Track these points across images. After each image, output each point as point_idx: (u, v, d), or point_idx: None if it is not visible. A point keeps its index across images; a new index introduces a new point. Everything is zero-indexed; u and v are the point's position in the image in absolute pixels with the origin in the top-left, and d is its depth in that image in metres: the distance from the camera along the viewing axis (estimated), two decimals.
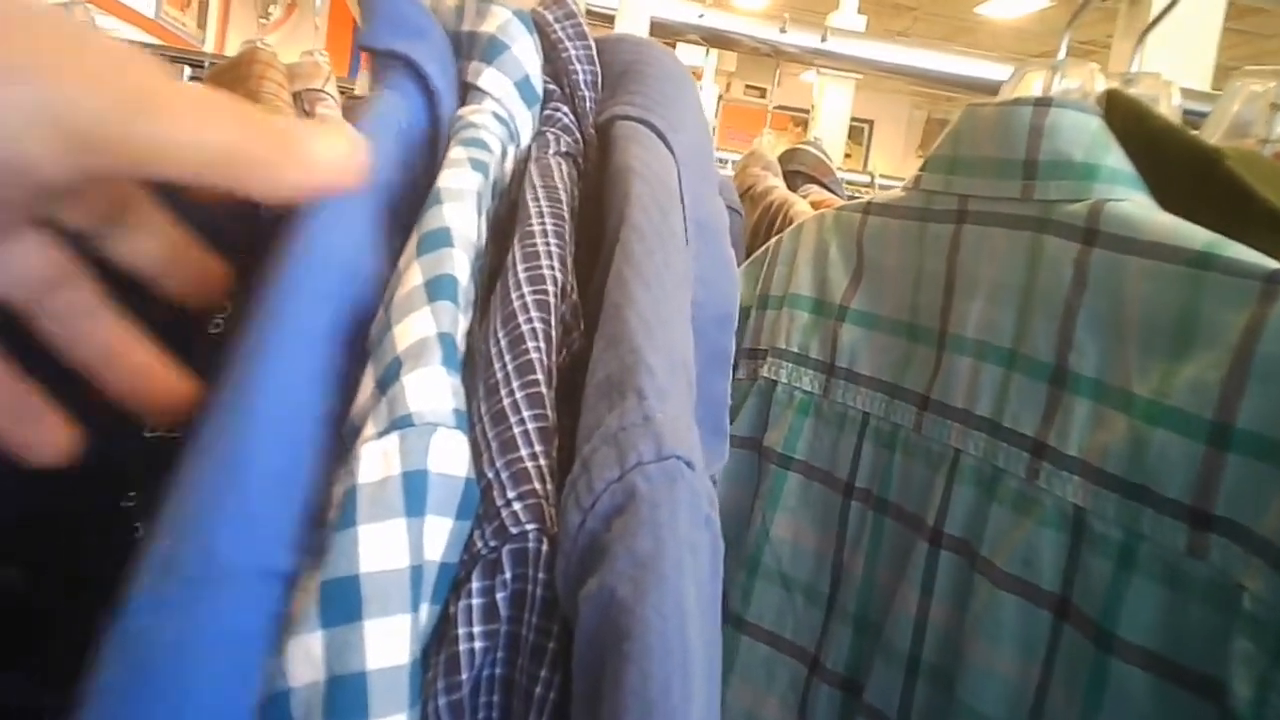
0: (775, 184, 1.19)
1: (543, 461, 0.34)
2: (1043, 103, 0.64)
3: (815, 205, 1.11)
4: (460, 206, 0.41)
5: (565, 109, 0.54)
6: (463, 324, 0.37)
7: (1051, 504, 0.58)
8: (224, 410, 0.31)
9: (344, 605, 0.30)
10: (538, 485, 0.34)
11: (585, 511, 0.31)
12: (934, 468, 0.68)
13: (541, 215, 0.44)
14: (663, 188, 0.45)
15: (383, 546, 0.30)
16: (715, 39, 1.21)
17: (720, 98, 4.66)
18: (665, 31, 1.14)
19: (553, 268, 0.42)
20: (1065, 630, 0.57)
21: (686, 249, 0.45)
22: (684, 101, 0.53)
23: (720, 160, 1.69)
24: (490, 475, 0.34)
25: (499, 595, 0.33)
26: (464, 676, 0.32)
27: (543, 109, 0.54)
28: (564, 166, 0.50)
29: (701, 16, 1.16)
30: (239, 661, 0.29)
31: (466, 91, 0.53)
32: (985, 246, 0.67)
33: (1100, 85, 0.78)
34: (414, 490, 0.31)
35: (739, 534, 0.81)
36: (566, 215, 0.45)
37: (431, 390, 0.33)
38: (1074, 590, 0.57)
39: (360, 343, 0.36)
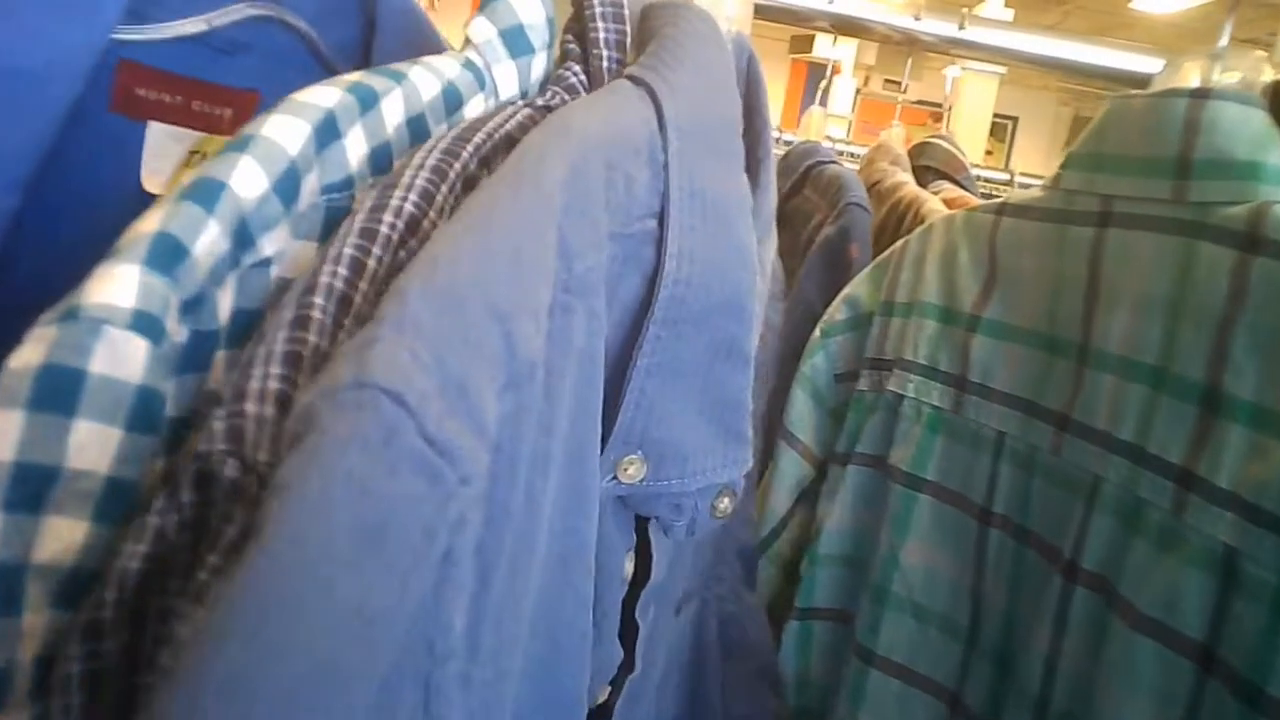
0: (904, 179, 1.13)
1: (272, 384, 0.30)
2: (1200, 94, 0.57)
3: (948, 203, 1.04)
4: (291, 119, 0.37)
5: (577, 68, 0.51)
6: (214, 231, 0.33)
7: (1199, 542, 0.52)
8: None
9: None
10: (251, 405, 0.30)
11: (285, 437, 0.26)
12: (1072, 495, 0.61)
13: (431, 150, 0.40)
14: (564, 132, 0.39)
15: None
16: (846, 26, 1.16)
17: (858, 91, 4.56)
18: (793, 18, 1.09)
19: (405, 199, 0.38)
20: (1210, 684, 0.51)
21: (592, 201, 0.39)
22: (702, 65, 0.48)
23: (852, 155, 1.63)
24: (222, 393, 0.31)
25: (171, 519, 0.29)
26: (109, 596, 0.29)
27: (560, 66, 0.51)
28: (522, 115, 0.46)
29: (832, 2, 1.11)
30: None
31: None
32: (1131, 252, 0.60)
33: (1268, 78, 0.71)
34: (55, 386, 0.28)
35: (865, 558, 0.76)
36: (466, 153, 0.41)
37: (115, 287, 0.30)
38: (1221, 639, 0.51)
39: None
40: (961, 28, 1.15)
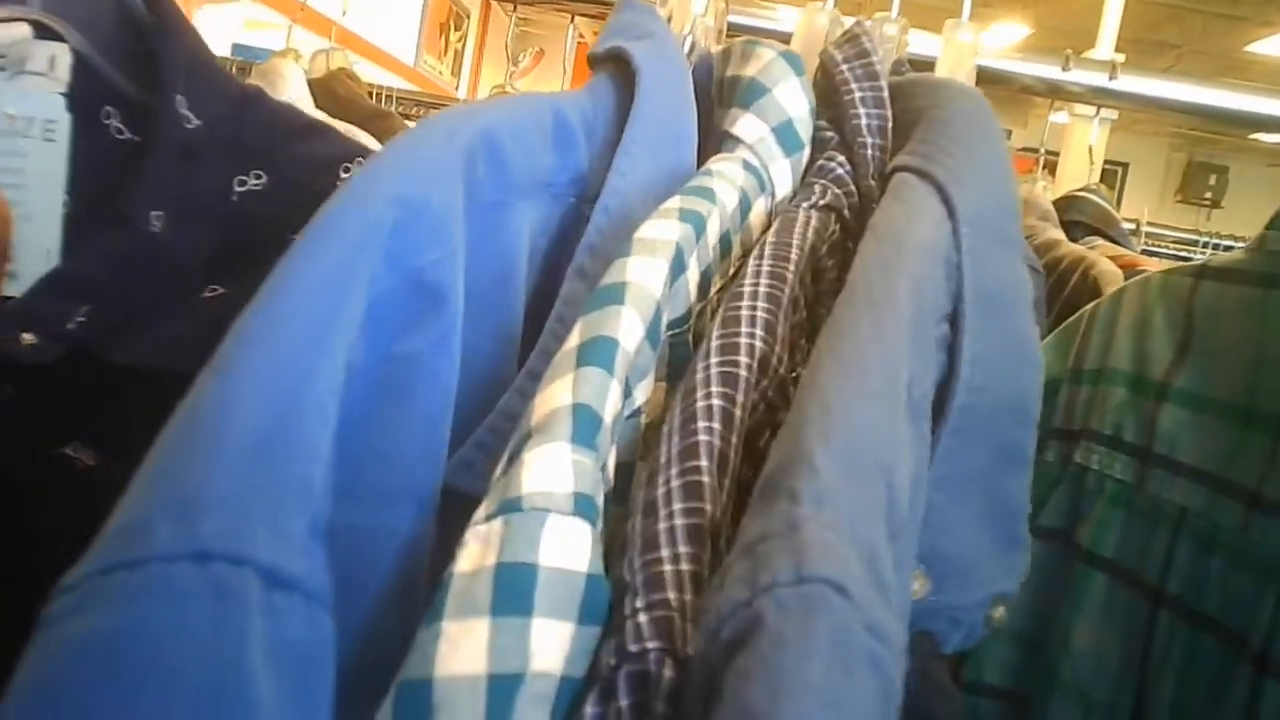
0: (1058, 237, 1.09)
1: (685, 565, 0.29)
2: None
3: (1118, 263, 1.00)
4: (649, 260, 0.36)
5: (841, 158, 0.49)
6: (616, 393, 0.32)
7: None
8: (211, 370, 0.27)
9: (414, 713, 0.26)
10: (671, 594, 0.28)
11: (709, 637, 0.25)
12: (1262, 579, 0.57)
13: (758, 275, 0.39)
14: (898, 246, 0.38)
15: (459, 648, 0.26)
16: (989, 77, 1.13)
17: None
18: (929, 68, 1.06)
19: (753, 335, 0.36)
20: None
21: (924, 318, 0.38)
22: (982, 149, 0.46)
23: None
24: (628, 577, 0.29)
25: None
26: None
27: (817, 157, 0.49)
28: (815, 220, 0.44)
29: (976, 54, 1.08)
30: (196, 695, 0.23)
31: (722, 140, 0.48)
32: None
33: None
34: (512, 586, 0.27)
35: (1040, 638, 0.72)
36: (790, 275, 0.40)
37: (550, 471, 0.29)
38: None
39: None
40: (1112, 78, 1.11)
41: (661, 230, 0.38)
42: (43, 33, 0.49)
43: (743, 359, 0.35)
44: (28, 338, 0.46)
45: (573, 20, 1.15)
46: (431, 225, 0.33)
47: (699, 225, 0.40)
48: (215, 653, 0.23)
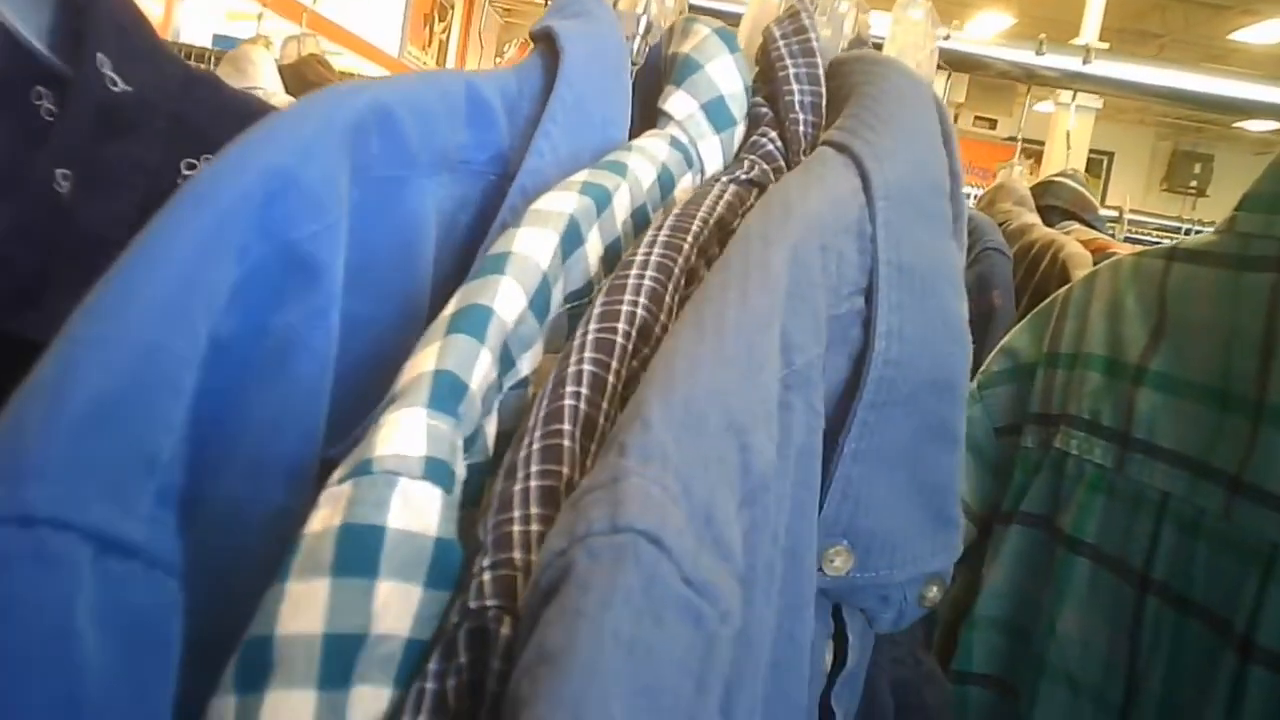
0: (1033, 221, 1.08)
1: (535, 526, 0.29)
2: None
3: (1086, 245, 0.99)
4: (539, 231, 0.36)
5: (773, 134, 0.48)
6: (487, 361, 0.32)
7: None
8: (60, 338, 0.27)
9: (253, 670, 0.26)
10: (518, 554, 0.28)
11: (531, 588, 0.25)
12: (1245, 564, 0.57)
13: (651, 245, 0.39)
14: (785, 215, 0.37)
15: (301, 608, 0.26)
16: (961, 63, 1.12)
17: None
18: None
19: (635, 303, 0.36)
20: None
21: (811, 288, 0.37)
22: (910, 126, 0.46)
23: None
24: (481, 538, 0.29)
25: (450, 683, 0.27)
26: None
27: (751, 133, 0.49)
28: (729, 194, 0.44)
29: (947, 38, 1.07)
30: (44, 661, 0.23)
31: (657, 117, 0.48)
32: None
33: None
34: (356, 547, 0.27)
35: (1025, 624, 0.72)
36: (687, 246, 0.39)
37: (403, 435, 0.29)
38: None
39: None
40: (1086, 62, 1.11)
41: (557, 202, 0.38)
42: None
43: (621, 326, 0.35)
44: None
45: None
46: (307, 198, 0.33)
47: (601, 198, 0.39)
48: (36, 615, 0.23)
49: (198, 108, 0.54)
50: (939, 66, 1.10)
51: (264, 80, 1.16)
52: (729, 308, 0.32)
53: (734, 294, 0.32)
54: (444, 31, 6.65)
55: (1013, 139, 1.60)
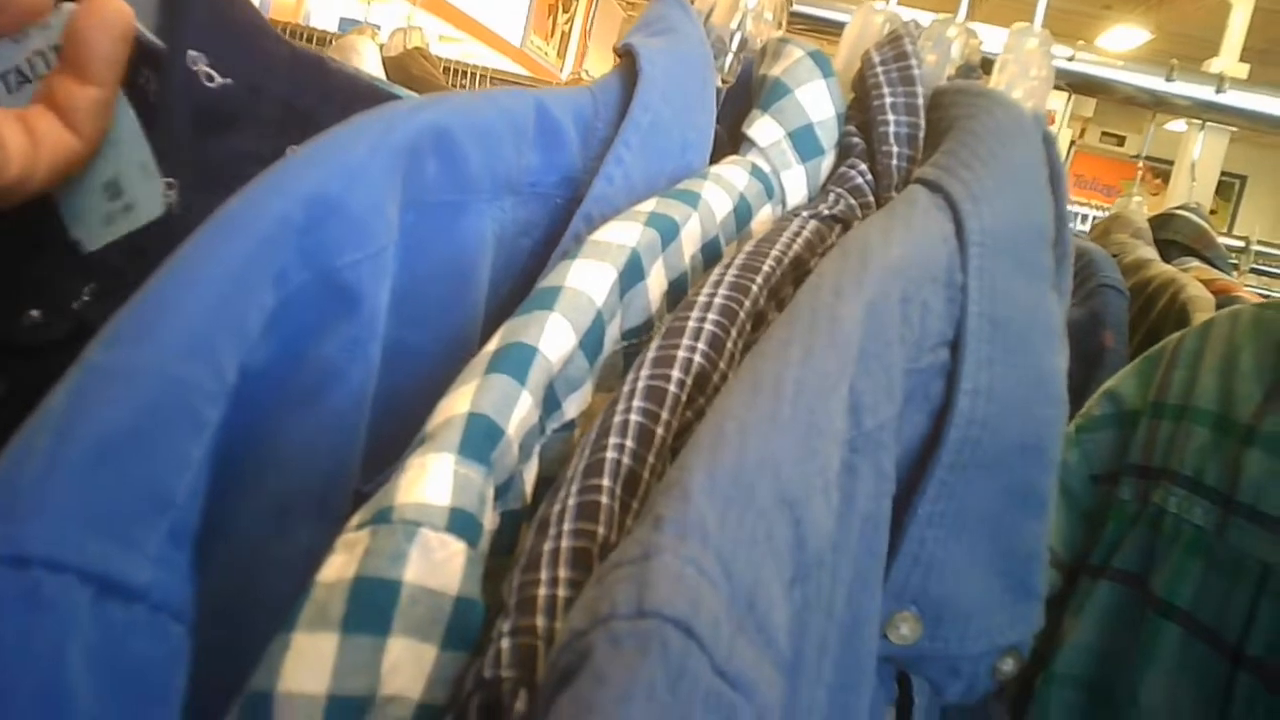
0: (1150, 256, 1.02)
1: (561, 591, 0.27)
2: None
3: (1211, 287, 0.93)
4: (595, 265, 0.34)
5: (863, 166, 0.46)
6: (527, 404, 0.30)
7: None
8: (76, 366, 0.26)
9: None
10: (540, 620, 0.26)
11: (549, 668, 0.23)
12: None
13: (717, 285, 0.36)
14: (863, 263, 0.35)
15: (305, 663, 0.25)
16: (1085, 87, 1.07)
17: (1073, 144, 4.36)
18: None
19: (694, 349, 0.33)
20: None
21: (887, 344, 0.34)
22: (1012, 165, 0.43)
23: (1069, 214, 1.50)
24: (505, 597, 0.27)
25: None
26: None
27: (841, 164, 0.47)
28: (809, 230, 0.41)
29: (1071, 59, 1.03)
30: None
31: (740, 143, 0.46)
32: None
33: None
34: (369, 602, 0.25)
35: (1108, 686, 0.68)
36: (756, 288, 0.37)
37: (429, 482, 0.27)
38: None
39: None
40: (1219, 91, 1.05)
41: (619, 234, 0.36)
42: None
43: (675, 373, 0.32)
44: (33, 315, 0.44)
45: None
46: (351, 225, 0.31)
47: (668, 230, 0.37)
48: (26, 660, 0.22)
49: (306, 91, 0.51)
50: (1059, 87, 1.05)
51: (369, 71, 1.17)
52: (790, 366, 0.29)
53: (797, 351, 0.30)
54: (568, 23, 6.68)
55: (1139, 157, 1.53)
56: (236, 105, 0.48)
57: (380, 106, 0.35)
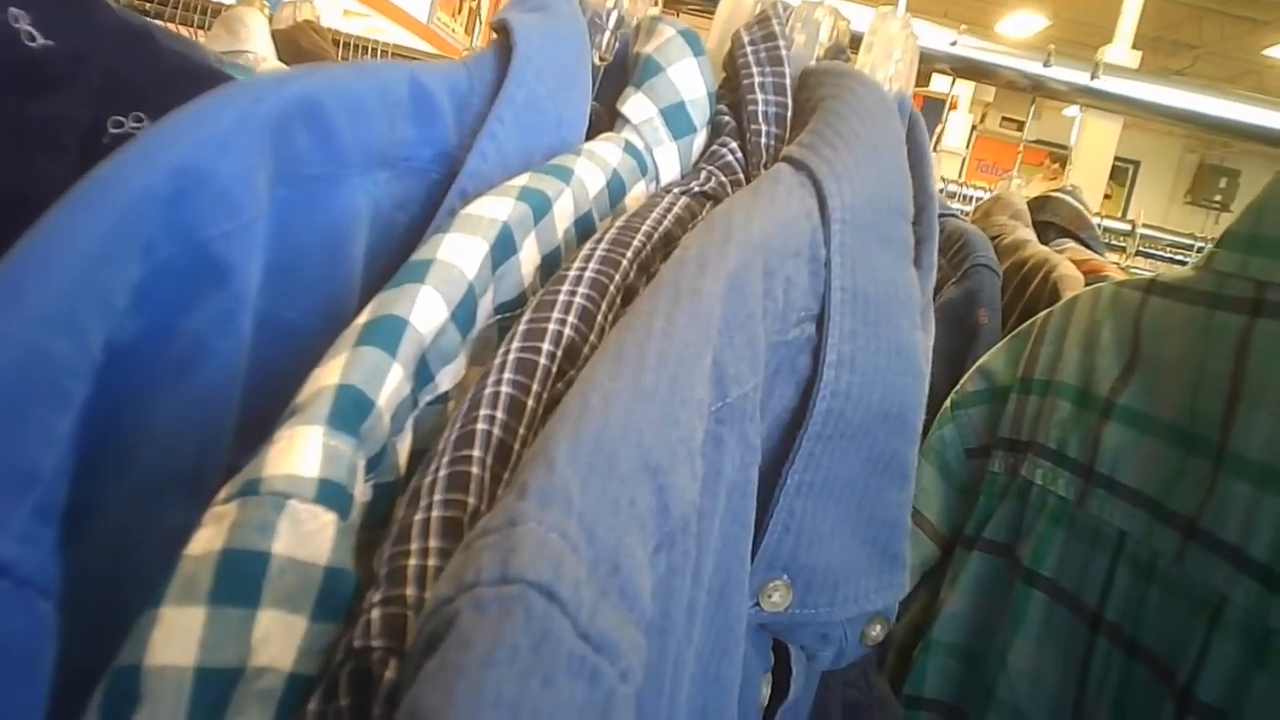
0: (1027, 237, 1.05)
1: (432, 560, 0.27)
2: None
3: (1082, 267, 0.96)
4: (466, 239, 0.35)
5: (734, 144, 0.47)
6: (398, 376, 0.31)
7: None
8: None
9: (119, 702, 0.25)
10: (410, 590, 0.26)
11: (416, 635, 0.23)
12: (1192, 612, 0.55)
13: (588, 259, 0.37)
14: (726, 238, 0.35)
15: (173, 637, 0.25)
16: (969, 70, 1.09)
17: (974, 129, 4.45)
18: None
19: (564, 321, 0.34)
20: None
21: (750, 317, 0.35)
22: (873, 144, 0.44)
23: (965, 197, 1.53)
24: (376, 568, 0.27)
25: None
26: None
27: (712, 142, 0.48)
28: (680, 206, 0.42)
29: (954, 44, 1.05)
30: None
31: (614, 119, 0.47)
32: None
33: None
34: (237, 574, 0.26)
35: (979, 651, 0.70)
36: (626, 262, 0.38)
37: (297, 454, 0.27)
38: None
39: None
40: (1094, 77, 1.08)
41: (490, 208, 0.36)
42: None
43: (546, 346, 0.33)
44: None
45: None
46: (220, 196, 0.31)
47: (540, 204, 0.38)
48: None
49: (135, 63, 0.51)
50: (943, 71, 1.07)
51: (256, 44, 1.14)
52: (653, 338, 0.30)
53: (660, 323, 0.30)
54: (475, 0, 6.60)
55: (1039, 142, 1.57)
56: (58, 68, 0.48)
57: (219, 86, 0.34)
